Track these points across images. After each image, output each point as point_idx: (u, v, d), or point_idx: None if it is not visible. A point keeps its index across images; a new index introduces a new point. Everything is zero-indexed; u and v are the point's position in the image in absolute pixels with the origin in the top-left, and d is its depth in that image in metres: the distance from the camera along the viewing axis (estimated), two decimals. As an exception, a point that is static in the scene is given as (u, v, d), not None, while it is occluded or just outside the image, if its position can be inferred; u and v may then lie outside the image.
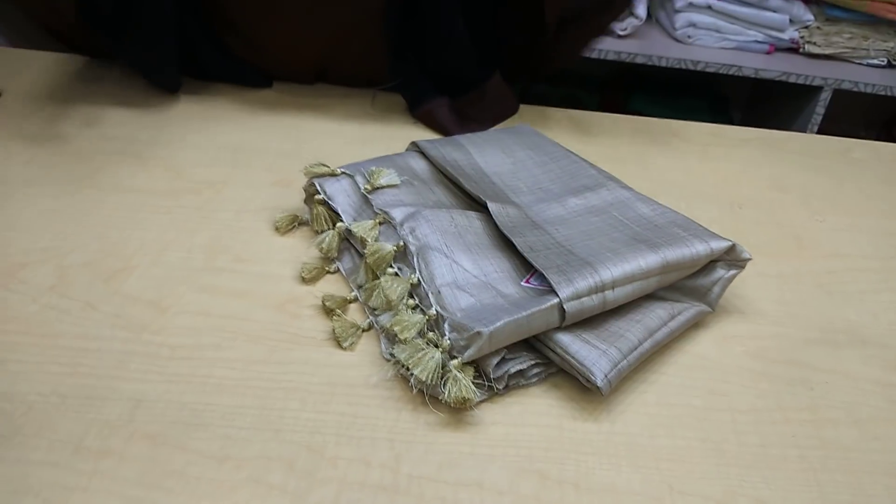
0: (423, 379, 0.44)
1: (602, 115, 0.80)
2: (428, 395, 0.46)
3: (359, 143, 0.71)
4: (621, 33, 1.45)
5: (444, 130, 0.73)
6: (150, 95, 0.75)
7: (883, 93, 1.47)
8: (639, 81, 1.76)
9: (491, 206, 0.54)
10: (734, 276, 0.53)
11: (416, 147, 0.63)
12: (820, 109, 1.50)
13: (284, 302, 0.52)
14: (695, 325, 0.54)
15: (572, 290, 0.47)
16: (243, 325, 0.50)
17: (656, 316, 0.50)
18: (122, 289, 0.52)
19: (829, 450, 0.46)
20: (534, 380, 0.48)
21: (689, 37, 1.47)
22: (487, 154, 0.63)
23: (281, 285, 0.54)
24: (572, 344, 0.47)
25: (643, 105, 1.71)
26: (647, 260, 0.50)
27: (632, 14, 1.43)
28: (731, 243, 0.52)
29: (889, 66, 1.52)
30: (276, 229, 0.58)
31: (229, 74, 0.76)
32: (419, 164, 0.62)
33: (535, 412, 0.46)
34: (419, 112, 0.75)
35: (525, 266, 0.51)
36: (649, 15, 1.50)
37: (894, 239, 0.66)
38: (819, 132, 1.54)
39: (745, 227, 0.65)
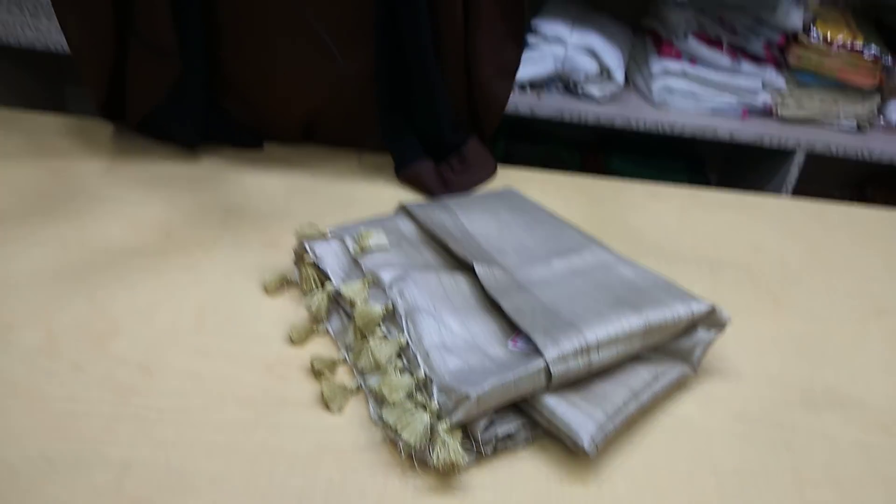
0: (412, 442, 0.45)
1: (583, 177, 0.82)
2: (416, 458, 0.46)
3: (346, 203, 0.72)
4: (600, 97, 1.49)
5: (429, 192, 0.75)
6: (141, 155, 0.76)
7: (854, 156, 1.52)
8: (618, 142, 1.81)
9: (478, 267, 0.55)
10: (715, 338, 0.55)
11: (404, 209, 0.65)
12: (794, 171, 1.54)
13: (273, 364, 0.53)
14: (678, 386, 0.55)
15: (558, 352, 0.48)
16: (232, 388, 0.50)
17: (640, 378, 0.51)
18: (110, 351, 0.52)
19: (813, 512, 0.47)
20: (522, 443, 0.48)
21: (665, 101, 1.51)
22: (474, 216, 0.65)
23: (270, 347, 0.54)
24: (559, 406, 0.47)
25: (622, 164, 1.75)
26: (631, 322, 0.51)
27: (610, 79, 1.48)
28: (710, 306, 0.54)
29: (859, 129, 1.58)
30: (266, 290, 0.59)
31: (223, 135, 0.78)
32: (407, 227, 0.63)
33: (522, 476, 0.47)
34: (405, 174, 0.76)
35: (511, 327, 0.52)
36: (627, 80, 1.55)
37: (869, 300, 0.68)
38: (794, 192, 1.58)
39: (724, 289, 0.66)
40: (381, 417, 0.47)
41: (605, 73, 1.48)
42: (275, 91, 0.75)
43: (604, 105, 1.50)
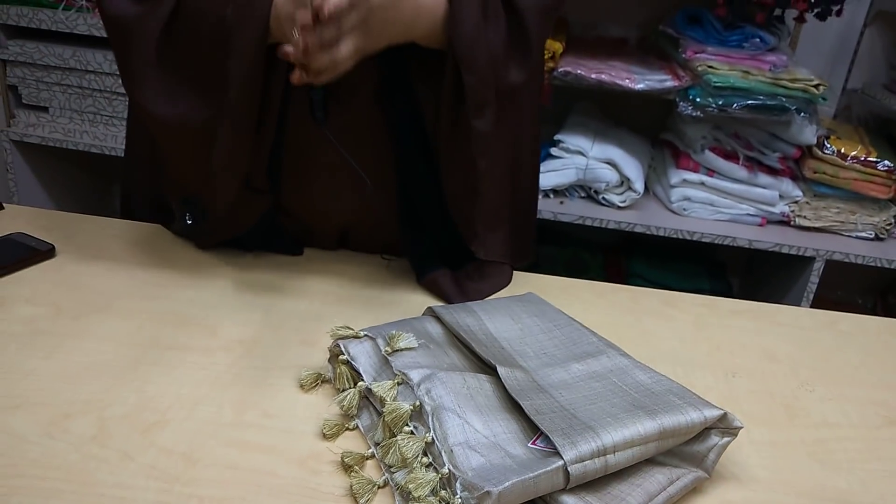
0: None
1: (601, 284, 0.86)
2: (439, 552, 0.48)
3: (377, 306, 0.77)
4: (621, 205, 1.55)
5: (447, 298, 0.80)
6: (193, 261, 0.82)
7: (873, 264, 1.55)
8: (640, 246, 1.86)
9: (500, 369, 0.59)
10: (728, 443, 0.57)
11: (432, 313, 0.69)
12: (814, 278, 1.57)
13: (306, 458, 0.56)
14: (692, 490, 0.56)
15: (576, 453, 0.50)
16: (267, 480, 0.53)
17: (656, 481, 0.54)
18: (157, 441, 0.56)
19: None
20: (539, 540, 0.51)
21: (684, 209, 1.57)
22: (497, 321, 0.69)
23: (303, 441, 0.57)
24: None
25: (643, 268, 1.79)
26: (646, 426, 0.54)
27: (630, 189, 1.55)
28: (723, 412, 0.56)
29: (877, 238, 1.61)
30: (301, 386, 0.63)
31: (267, 244, 0.84)
32: (435, 329, 0.68)
33: (540, 572, 0.49)
34: (424, 280, 0.82)
35: (531, 427, 0.55)
36: (647, 189, 1.62)
37: (881, 409, 0.69)
38: (815, 299, 1.60)
39: (739, 396, 0.69)
40: None
41: (625, 182, 1.55)
42: (316, 208, 0.84)
43: (625, 211, 1.56)
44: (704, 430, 0.57)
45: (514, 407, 0.57)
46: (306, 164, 0.80)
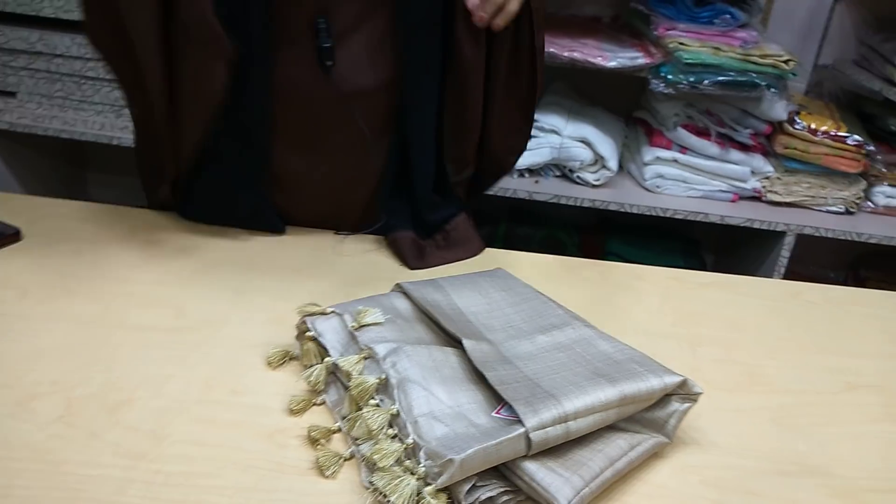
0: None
1: (571, 259, 0.87)
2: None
3: (349, 284, 0.77)
4: (595, 183, 1.56)
5: (405, 262, 0.82)
6: (163, 242, 0.82)
7: (843, 237, 1.57)
8: (616, 224, 1.87)
9: (466, 342, 0.60)
10: (688, 409, 0.58)
11: (400, 289, 0.70)
12: (785, 253, 1.59)
13: (273, 433, 0.56)
14: (654, 455, 0.58)
15: (538, 420, 0.51)
16: (234, 455, 0.54)
17: (617, 446, 0.55)
18: (123, 420, 0.56)
19: (780, 575, 0.49)
20: (503, 507, 0.52)
21: (657, 187, 1.58)
22: (465, 296, 0.69)
23: (271, 417, 0.58)
24: (538, 472, 0.51)
25: (620, 247, 1.80)
26: (607, 393, 0.55)
27: (604, 167, 1.55)
28: (682, 378, 0.57)
29: (847, 212, 1.63)
30: (269, 364, 0.63)
31: (253, 219, 0.85)
32: (403, 304, 0.68)
33: (503, 537, 0.50)
34: (389, 238, 0.85)
35: (496, 397, 0.56)
36: (621, 167, 1.63)
37: (842, 375, 0.71)
38: (787, 273, 1.63)
39: (703, 365, 0.70)
40: (371, 482, 0.51)
41: (599, 161, 1.56)
42: (311, 178, 0.84)
43: (599, 190, 1.57)
44: (665, 397, 0.58)
45: (480, 378, 0.58)
46: (298, 129, 0.80)
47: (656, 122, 1.59)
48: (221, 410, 0.58)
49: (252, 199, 0.83)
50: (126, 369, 0.62)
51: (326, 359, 0.61)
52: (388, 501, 0.48)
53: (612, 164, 1.54)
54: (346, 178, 0.85)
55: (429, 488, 0.49)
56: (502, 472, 0.52)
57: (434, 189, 0.84)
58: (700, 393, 0.58)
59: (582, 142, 1.54)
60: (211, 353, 0.64)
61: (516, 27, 0.78)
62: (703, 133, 1.55)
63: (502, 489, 0.51)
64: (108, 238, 0.82)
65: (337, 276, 0.79)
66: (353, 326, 0.62)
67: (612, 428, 0.56)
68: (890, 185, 1.65)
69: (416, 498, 0.49)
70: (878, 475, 0.59)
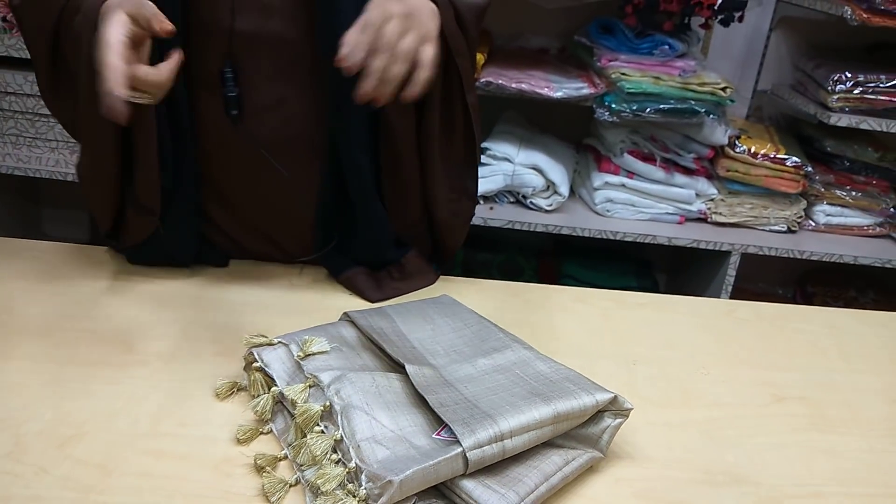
0: None
1: (516, 284, 0.90)
2: (347, 542, 0.51)
3: (296, 314, 0.79)
4: (547, 209, 1.61)
5: (364, 295, 0.83)
6: (112, 279, 0.83)
7: (786, 255, 1.64)
8: (572, 248, 1.92)
9: (409, 368, 0.62)
10: (620, 424, 0.61)
11: (347, 318, 0.72)
12: (731, 271, 1.65)
13: (220, 462, 0.58)
14: (589, 469, 0.60)
15: (474, 439, 0.54)
16: (182, 485, 0.55)
17: (552, 462, 0.57)
18: (72, 453, 0.57)
19: (704, 579, 0.52)
20: (443, 524, 0.54)
21: (607, 211, 1.63)
22: (410, 322, 0.72)
23: (218, 447, 0.59)
24: (475, 489, 0.53)
25: (575, 269, 1.85)
26: (541, 412, 0.57)
27: (556, 192, 1.60)
28: (613, 395, 0.60)
29: (789, 231, 1.70)
30: (217, 395, 0.65)
31: (196, 256, 0.86)
32: (349, 332, 0.70)
33: (442, 554, 0.52)
34: (341, 278, 0.85)
35: (437, 420, 0.59)
36: (572, 192, 1.68)
37: (770, 388, 0.75)
38: (735, 291, 1.68)
39: (638, 382, 0.73)
40: None
41: (550, 187, 1.60)
42: (238, 215, 0.85)
43: (551, 215, 1.61)
44: (598, 413, 0.61)
45: (421, 402, 0.61)
46: (225, 170, 0.82)
47: (604, 149, 1.64)
48: (169, 442, 0.59)
49: (191, 243, 0.85)
50: (75, 404, 0.63)
51: (273, 388, 0.63)
52: None
53: (564, 189, 1.59)
54: (277, 218, 0.85)
55: None
56: (441, 490, 0.54)
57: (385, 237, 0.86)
58: (630, 408, 0.61)
59: (534, 169, 1.59)
60: (159, 387, 0.66)
61: (446, 92, 0.79)
62: (648, 158, 1.61)
63: (441, 507, 0.54)
64: (60, 276, 0.83)
65: (284, 307, 0.80)
66: (298, 356, 0.64)
67: (547, 445, 0.59)
68: (829, 203, 1.72)
69: None
70: (802, 482, 0.63)
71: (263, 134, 0.78)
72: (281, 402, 0.63)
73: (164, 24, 0.63)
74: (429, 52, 0.66)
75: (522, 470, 0.56)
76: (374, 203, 0.82)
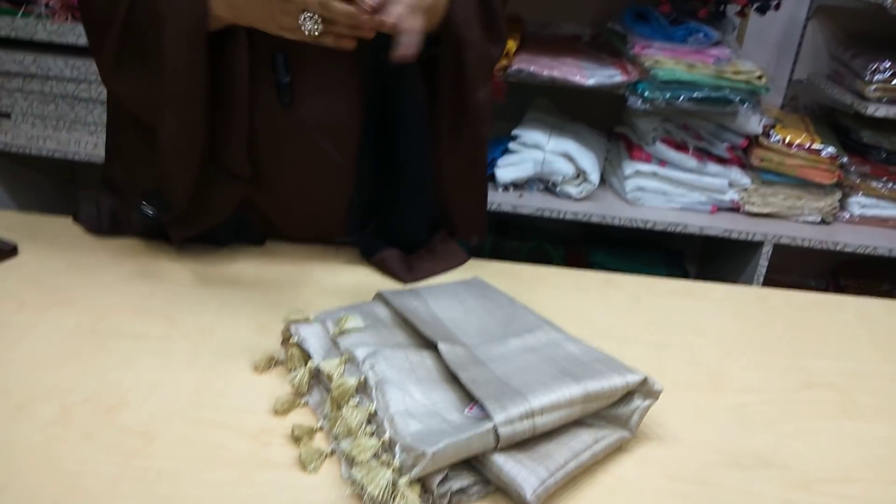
0: (375, 495, 0.51)
1: (546, 268, 0.91)
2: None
3: (331, 293, 0.81)
4: (577, 197, 1.60)
5: (396, 276, 0.85)
6: (153, 256, 0.85)
7: (819, 247, 1.62)
8: (600, 236, 1.91)
9: (441, 346, 0.63)
10: (650, 406, 0.62)
11: (381, 297, 0.74)
12: (763, 262, 1.63)
13: (258, 432, 0.60)
14: (618, 449, 0.61)
15: (505, 415, 0.55)
16: (221, 453, 0.57)
17: (581, 440, 0.58)
18: (116, 421, 0.59)
19: (731, 557, 0.53)
20: (474, 497, 0.55)
21: (638, 199, 1.63)
22: (442, 302, 0.73)
23: (256, 418, 0.61)
24: (505, 463, 0.54)
25: (603, 258, 1.85)
26: (572, 390, 0.58)
27: (586, 180, 1.60)
28: (643, 376, 0.61)
29: (823, 222, 1.68)
30: (255, 369, 0.67)
31: (233, 237, 0.88)
32: (383, 312, 0.72)
33: (472, 526, 0.53)
34: (373, 259, 0.87)
35: (468, 397, 0.60)
36: (603, 180, 1.67)
37: (800, 375, 0.75)
38: (767, 282, 1.67)
39: (667, 366, 0.74)
40: (350, 476, 0.54)
41: (581, 175, 1.60)
42: (282, 200, 0.87)
43: (581, 203, 1.61)
44: (628, 394, 0.61)
45: (453, 379, 0.62)
46: (274, 154, 0.83)
47: (636, 137, 1.64)
48: (209, 412, 0.61)
49: (231, 221, 0.86)
50: (118, 375, 0.65)
51: (309, 362, 0.64)
52: (366, 493, 0.52)
53: (594, 177, 1.59)
54: (315, 201, 0.86)
55: (403, 479, 0.52)
56: (473, 464, 0.56)
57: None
58: (660, 390, 0.62)
59: (564, 156, 1.59)
60: (199, 360, 0.68)
61: (456, 90, 0.80)
62: (681, 147, 1.60)
63: (473, 480, 0.55)
64: (102, 253, 0.85)
65: (318, 287, 0.82)
66: (334, 332, 0.66)
67: (577, 423, 0.60)
68: (864, 195, 1.69)
69: (392, 489, 0.52)
70: (831, 467, 0.63)
71: (310, 118, 0.80)
72: (317, 377, 0.65)
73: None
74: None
75: (552, 446, 0.57)
76: (421, 181, 0.84)
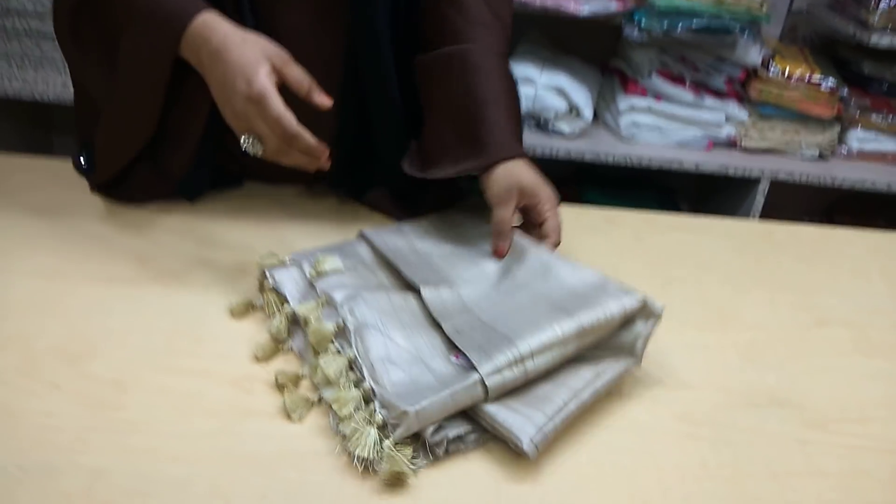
0: (365, 456, 0.47)
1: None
2: (370, 468, 0.48)
3: (313, 233, 0.76)
4: (570, 134, 1.55)
5: (390, 213, 0.79)
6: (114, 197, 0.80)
7: (817, 183, 1.58)
8: (592, 175, 1.86)
9: (424, 291, 0.59)
10: (653, 328, 0.58)
11: (363, 236, 0.69)
12: (759, 199, 1.59)
13: (239, 379, 0.55)
14: (626, 391, 0.58)
15: (492, 365, 0.51)
16: (200, 402, 0.53)
17: (581, 377, 0.55)
18: (86, 370, 0.55)
19: (749, 503, 0.50)
20: (472, 445, 0.51)
21: (633, 136, 1.57)
22: (428, 239, 0.68)
23: (236, 364, 0.57)
24: (499, 413, 0.51)
25: (596, 198, 1.80)
26: (563, 327, 0.54)
27: (579, 116, 1.54)
28: (641, 298, 0.57)
29: (821, 157, 1.64)
30: (232, 314, 0.62)
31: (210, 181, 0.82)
32: (364, 251, 0.67)
33: (472, 475, 0.49)
34: (366, 199, 0.81)
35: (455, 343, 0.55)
36: (596, 117, 1.61)
37: (812, 311, 0.71)
38: (762, 220, 1.63)
39: (674, 304, 0.69)
40: (339, 430, 0.50)
41: (574, 110, 1.54)
42: None
43: (574, 140, 1.56)
44: (627, 320, 0.57)
45: (439, 323, 0.57)
46: None
47: (631, 71, 1.57)
48: (186, 359, 0.57)
49: (205, 176, 0.80)
50: (88, 321, 0.60)
51: (286, 307, 0.60)
52: (354, 455, 0.48)
53: (588, 112, 1.53)
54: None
55: (388, 442, 0.48)
56: (468, 413, 0.52)
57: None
58: (661, 309, 0.58)
59: (557, 91, 1.52)
60: (174, 304, 0.63)
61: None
62: (677, 80, 1.54)
63: (469, 428, 0.51)
64: (68, 195, 0.79)
65: (301, 228, 0.77)
66: (311, 274, 0.61)
67: (576, 360, 0.56)
68: (863, 129, 1.65)
69: (379, 448, 0.48)
70: (847, 406, 0.60)
71: (291, 50, 0.73)
72: (297, 322, 0.60)
73: (322, 99, 0.63)
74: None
75: (550, 388, 0.53)
76: (397, 120, 0.77)
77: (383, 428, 0.49)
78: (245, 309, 0.63)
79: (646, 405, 0.57)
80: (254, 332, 0.61)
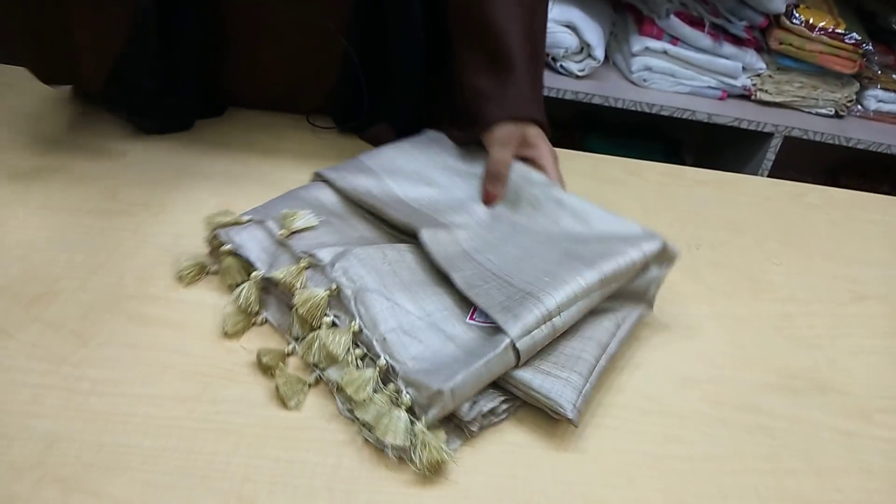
0: (398, 444, 0.41)
1: (562, 150, 0.78)
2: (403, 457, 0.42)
3: (309, 165, 0.68)
4: (579, 74, 1.46)
5: None
6: (95, 119, 0.71)
7: (831, 141, 1.51)
8: (595, 121, 1.78)
9: (424, 234, 0.51)
10: (666, 272, 0.53)
11: (320, 178, 0.58)
12: (770, 155, 1.53)
13: (221, 336, 0.48)
14: (653, 367, 0.52)
15: (521, 326, 0.44)
16: (174, 359, 0.46)
17: (604, 329, 0.49)
18: (42, 315, 0.48)
19: (790, 502, 0.44)
20: (504, 415, 0.46)
21: (644, 80, 1.48)
22: (400, 175, 0.59)
23: (219, 316, 0.50)
24: (534, 379, 0.45)
25: (598, 145, 1.72)
26: (586, 278, 0.48)
27: (590, 56, 1.45)
28: (662, 243, 0.52)
29: (836, 115, 1.57)
30: (180, 280, 0.52)
31: (186, 111, 0.72)
32: (328, 198, 0.57)
33: (487, 461, 0.43)
34: (366, 135, 0.73)
35: (466, 299, 0.49)
36: (606, 57, 1.52)
37: (849, 284, 0.65)
38: (769, 177, 1.57)
39: (702, 268, 0.64)
40: (352, 414, 0.43)
41: (584, 49, 1.45)
42: (258, 79, 0.72)
43: (583, 81, 1.47)
44: (644, 266, 0.52)
45: (442, 278, 0.50)
46: (249, 20, 0.68)
47: (647, 9, 1.47)
48: (160, 308, 0.50)
49: (193, 104, 0.71)
50: (47, 257, 0.52)
51: (254, 274, 0.50)
52: (387, 446, 0.42)
53: (599, 52, 1.44)
54: (298, 74, 0.72)
55: (419, 425, 0.41)
56: (497, 381, 0.45)
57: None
58: (677, 252, 0.53)
59: (567, 27, 1.42)
60: (147, 242, 0.55)
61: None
62: (696, 23, 1.44)
63: (502, 398, 0.45)
64: (32, 105, 0.70)
65: (291, 158, 0.69)
66: (281, 234, 0.51)
67: (594, 310, 0.50)
68: (883, 88, 1.57)
69: (411, 433, 0.42)
70: (891, 394, 0.54)
71: None
72: (267, 289, 0.51)
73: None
74: None
75: (577, 344, 0.47)
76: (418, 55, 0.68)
77: (409, 409, 0.42)
78: (197, 272, 0.53)
79: (674, 383, 0.51)
80: (215, 302, 0.51)
